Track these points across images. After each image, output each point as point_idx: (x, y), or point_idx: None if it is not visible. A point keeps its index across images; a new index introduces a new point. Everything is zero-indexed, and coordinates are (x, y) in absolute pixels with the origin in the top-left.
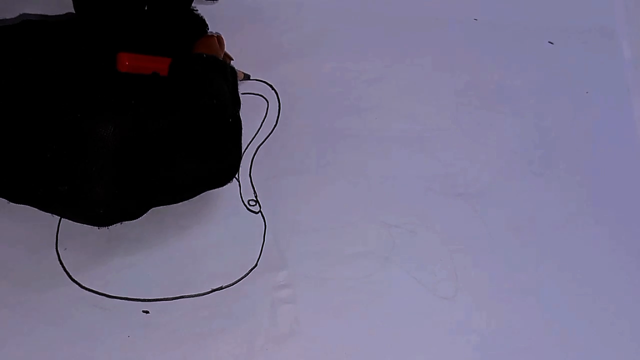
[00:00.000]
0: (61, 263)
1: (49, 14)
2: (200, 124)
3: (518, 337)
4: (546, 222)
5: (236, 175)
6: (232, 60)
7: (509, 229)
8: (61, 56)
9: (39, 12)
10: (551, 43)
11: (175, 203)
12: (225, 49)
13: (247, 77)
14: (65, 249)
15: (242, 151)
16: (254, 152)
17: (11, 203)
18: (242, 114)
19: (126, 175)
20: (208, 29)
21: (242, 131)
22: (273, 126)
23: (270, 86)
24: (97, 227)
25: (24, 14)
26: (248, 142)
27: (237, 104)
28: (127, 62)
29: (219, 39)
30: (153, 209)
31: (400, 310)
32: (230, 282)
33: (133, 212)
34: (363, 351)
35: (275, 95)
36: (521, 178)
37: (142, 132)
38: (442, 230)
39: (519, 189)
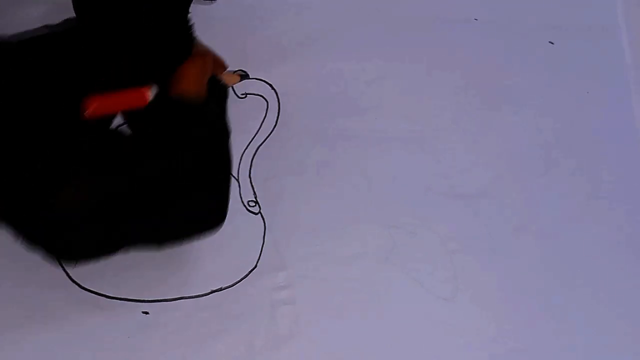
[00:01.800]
0: (61, 263)
1: (48, 17)
2: (181, 176)
3: (518, 338)
4: (546, 223)
5: (236, 176)
6: (227, 68)
7: (509, 229)
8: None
9: (38, 15)
10: (551, 43)
11: (159, 249)
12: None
13: (244, 77)
14: None
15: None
16: (253, 152)
17: None
18: (242, 114)
19: (101, 226)
20: (195, 43)
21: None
22: (273, 126)
23: (270, 86)
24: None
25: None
26: (247, 143)
27: (227, 135)
28: (93, 108)
29: (217, 60)
30: None
31: (400, 311)
32: (230, 284)
33: (111, 253)
34: (363, 352)
35: (275, 95)
36: (521, 178)
37: (114, 190)
38: (442, 231)
39: (519, 189)
